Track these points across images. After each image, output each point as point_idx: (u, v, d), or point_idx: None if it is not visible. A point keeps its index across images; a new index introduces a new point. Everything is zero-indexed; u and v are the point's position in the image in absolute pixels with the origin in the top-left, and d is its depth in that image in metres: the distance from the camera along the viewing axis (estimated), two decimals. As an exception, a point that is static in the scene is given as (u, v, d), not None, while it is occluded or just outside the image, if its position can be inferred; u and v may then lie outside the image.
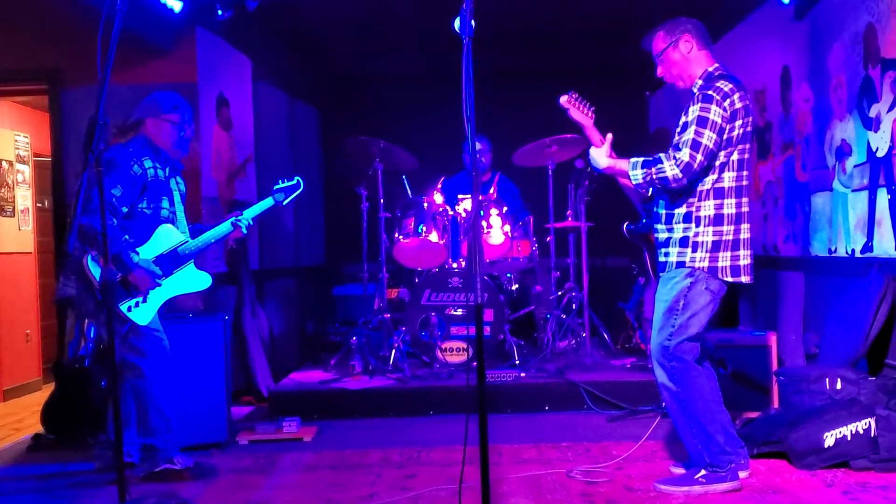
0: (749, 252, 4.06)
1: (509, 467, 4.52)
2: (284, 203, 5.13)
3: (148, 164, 4.58)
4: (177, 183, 4.82)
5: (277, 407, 5.91)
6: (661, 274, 4.19)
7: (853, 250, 5.37)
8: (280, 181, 5.15)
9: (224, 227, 4.83)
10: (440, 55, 5.44)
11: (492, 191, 7.15)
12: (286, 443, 5.26)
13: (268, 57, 7.93)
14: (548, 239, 7.04)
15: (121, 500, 3.25)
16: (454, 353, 6.51)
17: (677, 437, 4.22)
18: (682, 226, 4.06)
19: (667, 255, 4.13)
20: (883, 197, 4.99)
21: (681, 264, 4.04)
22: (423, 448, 5.02)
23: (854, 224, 5.36)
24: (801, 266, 6.15)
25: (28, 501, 4.41)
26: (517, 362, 6.45)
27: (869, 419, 4.24)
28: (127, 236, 4.45)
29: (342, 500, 4.06)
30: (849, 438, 4.23)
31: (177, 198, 4.79)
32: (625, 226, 4.62)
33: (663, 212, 4.16)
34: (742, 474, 4.07)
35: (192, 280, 4.73)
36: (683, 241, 4.05)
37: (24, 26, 6.33)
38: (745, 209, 4.05)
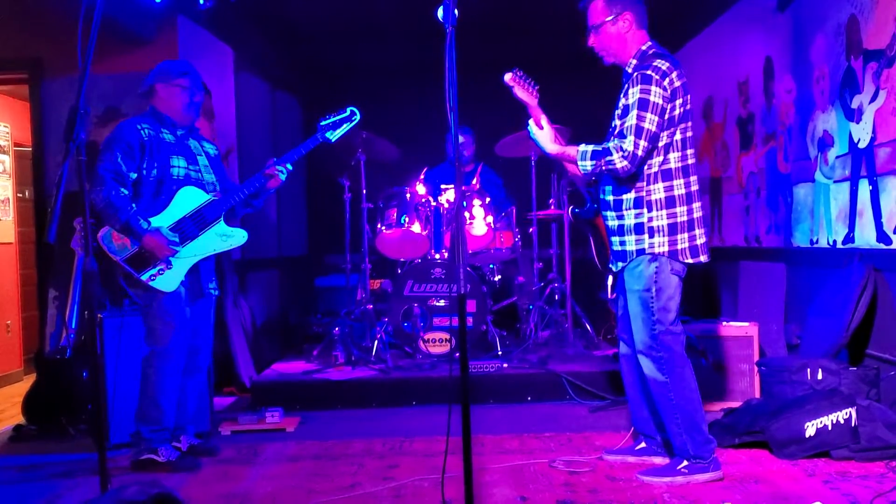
0: (703, 230, 4.06)
1: (492, 457, 4.53)
2: (334, 140, 4.83)
3: (144, 125, 4.53)
4: (201, 146, 4.76)
5: (260, 397, 5.90)
6: (617, 262, 4.14)
7: (835, 241, 5.39)
8: (328, 116, 4.85)
9: (256, 180, 4.67)
10: (423, 45, 5.42)
11: (474, 181, 7.15)
12: (269, 433, 5.25)
13: (250, 46, 7.89)
14: (530, 230, 7.05)
15: (103, 490, 3.23)
16: (437, 343, 6.51)
17: (661, 428, 4.23)
18: (633, 211, 4.03)
19: (623, 243, 4.08)
20: (864, 188, 5.01)
21: (641, 252, 4.00)
22: (405, 438, 5.02)
23: (836, 215, 5.38)
24: (783, 257, 6.18)
25: (9, 492, 4.38)
26: (500, 353, 6.46)
27: (850, 409, 4.26)
28: (134, 205, 4.40)
29: (325, 490, 4.05)
30: (830, 428, 4.25)
31: (203, 161, 4.71)
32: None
33: (611, 198, 4.12)
34: None
35: (224, 238, 4.61)
36: (639, 228, 4.01)
37: (5, 15, 6.28)
38: (694, 188, 4.03)
